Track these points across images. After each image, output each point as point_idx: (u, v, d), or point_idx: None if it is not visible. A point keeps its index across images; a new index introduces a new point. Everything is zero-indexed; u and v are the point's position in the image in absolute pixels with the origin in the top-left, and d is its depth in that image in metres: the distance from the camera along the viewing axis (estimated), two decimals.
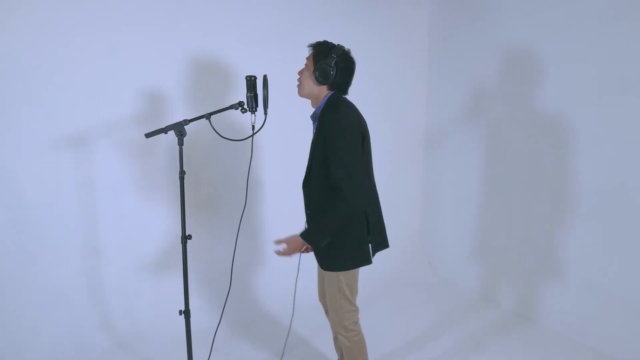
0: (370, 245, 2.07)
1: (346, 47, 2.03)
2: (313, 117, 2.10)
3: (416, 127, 4.20)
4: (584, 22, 2.81)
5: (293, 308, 2.52)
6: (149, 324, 3.04)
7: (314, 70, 2.00)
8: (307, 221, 2.16)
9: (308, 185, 2.09)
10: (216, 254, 3.33)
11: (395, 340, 2.98)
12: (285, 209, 3.36)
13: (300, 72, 2.09)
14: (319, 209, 2.03)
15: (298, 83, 2.10)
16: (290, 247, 1.99)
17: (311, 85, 2.04)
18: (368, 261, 2.06)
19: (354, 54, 2.08)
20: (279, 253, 2.02)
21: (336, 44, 2.03)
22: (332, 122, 1.92)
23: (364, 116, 2.08)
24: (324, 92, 2.05)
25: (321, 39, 2.08)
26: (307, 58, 2.07)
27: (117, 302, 3.04)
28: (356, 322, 2.15)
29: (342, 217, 1.91)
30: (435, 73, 4.09)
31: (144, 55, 2.94)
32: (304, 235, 1.97)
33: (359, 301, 2.19)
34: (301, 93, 2.10)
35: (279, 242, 2.03)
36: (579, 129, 2.88)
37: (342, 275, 2.05)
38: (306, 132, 2.75)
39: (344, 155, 1.89)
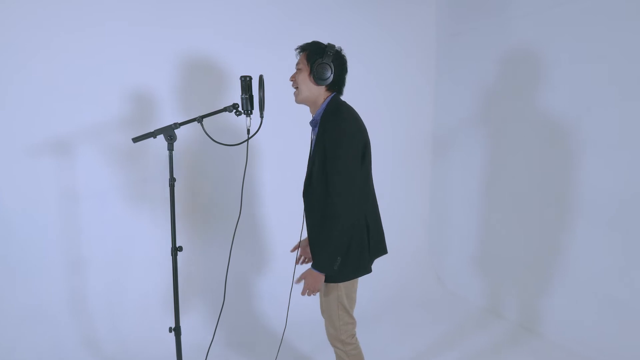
0: (369, 253, 2.10)
1: (336, 45, 2.06)
2: (312, 123, 2.11)
3: (422, 131, 4.20)
4: (599, 20, 2.81)
5: (286, 318, 2.51)
6: (136, 342, 3.01)
7: (310, 72, 2.01)
8: (308, 230, 2.17)
9: (308, 194, 2.11)
10: (209, 267, 3.32)
11: (400, 356, 2.96)
12: (283, 218, 3.35)
13: (293, 78, 2.10)
14: (318, 220, 2.04)
15: (295, 89, 2.10)
16: (309, 283, 1.99)
17: (310, 88, 2.04)
18: (367, 270, 2.11)
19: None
20: (308, 294, 2.02)
21: (326, 43, 2.06)
22: (333, 129, 1.93)
23: (366, 119, 2.10)
24: (322, 95, 2.06)
25: (313, 39, 2.10)
26: (298, 62, 2.08)
27: (102, 319, 3.01)
28: (354, 335, 2.18)
29: (342, 233, 1.93)
30: (443, 73, 4.09)
31: (131, 54, 2.94)
32: (315, 266, 1.98)
33: (361, 315, 2.19)
34: (299, 99, 2.10)
35: (298, 281, 2.07)
36: (594, 132, 2.88)
37: (342, 285, 2.07)
38: (305, 136, 2.75)
39: (344, 164, 1.91)
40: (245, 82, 2.09)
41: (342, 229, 1.91)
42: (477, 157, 3.76)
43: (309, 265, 2.14)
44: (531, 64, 3.24)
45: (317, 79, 2.00)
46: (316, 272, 1.97)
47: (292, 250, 2.44)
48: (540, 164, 3.23)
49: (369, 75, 3.74)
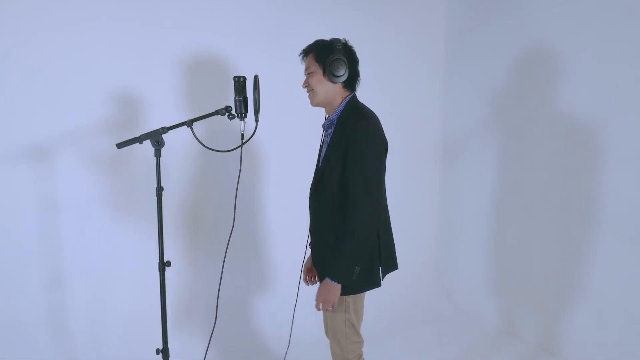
0: (380, 267, 2.10)
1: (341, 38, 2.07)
2: (327, 123, 2.12)
3: (430, 135, 4.20)
4: (622, 16, 2.80)
5: (289, 340, 2.49)
6: None
7: (324, 71, 2.02)
8: (313, 238, 2.18)
9: (317, 195, 2.12)
10: (200, 283, 3.31)
11: None
12: (282, 228, 3.34)
13: (306, 84, 2.10)
14: (330, 226, 2.06)
15: (309, 93, 2.10)
16: (323, 295, 1.98)
17: (326, 88, 2.05)
18: (378, 284, 2.10)
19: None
20: (323, 308, 2.01)
21: (328, 39, 2.06)
22: (358, 131, 1.94)
23: None
24: (340, 94, 2.08)
25: (314, 38, 2.11)
26: (308, 67, 2.08)
27: (83, 339, 3.00)
28: (361, 356, 2.17)
29: (363, 240, 1.94)
30: (452, 73, 4.10)
31: (117, 52, 2.94)
32: (332, 275, 1.97)
33: (366, 333, 2.19)
34: (315, 101, 2.10)
35: (317, 300, 2.03)
36: (617, 137, 2.87)
37: (350, 298, 2.07)
38: (304, 139, 2.74)
39: (367, 168, 1.93)
40: (239, 83, 2.09)
41: (366, 235, 1.93)
42: (490, 164, 3.75)
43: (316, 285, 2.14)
44: (549, 63, 3.23)
45: (333, 75, 2.00)
46: (332, 283, 1.95)
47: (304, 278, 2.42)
48: (559, 171, 3.22)
49: (371, 75, 3.72)
